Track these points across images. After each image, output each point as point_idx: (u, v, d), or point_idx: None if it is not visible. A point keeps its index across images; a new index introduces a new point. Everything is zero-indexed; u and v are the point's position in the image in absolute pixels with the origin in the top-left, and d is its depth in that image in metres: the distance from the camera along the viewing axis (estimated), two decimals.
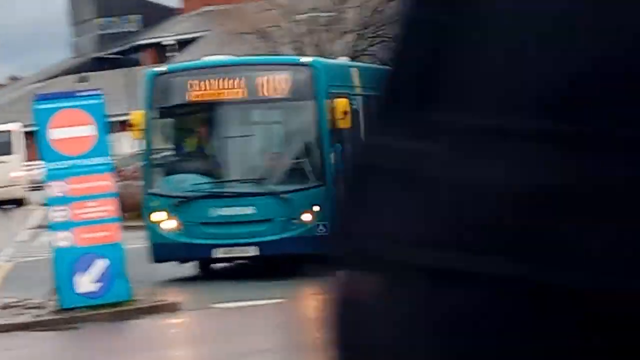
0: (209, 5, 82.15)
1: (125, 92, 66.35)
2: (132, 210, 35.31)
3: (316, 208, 21.47)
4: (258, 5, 54.89)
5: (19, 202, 48.93)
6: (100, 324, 19.39)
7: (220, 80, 22.22)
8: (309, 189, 21.95)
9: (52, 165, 19.30)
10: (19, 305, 21.12)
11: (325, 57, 45.50)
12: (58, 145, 19.25)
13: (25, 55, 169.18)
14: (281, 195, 21.69)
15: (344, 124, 22.41)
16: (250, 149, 23.60)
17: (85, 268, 19.36)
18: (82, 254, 19.34)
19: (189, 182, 22.35)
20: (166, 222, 21.56)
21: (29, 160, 45.06)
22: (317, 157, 22.31)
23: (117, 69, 77.19)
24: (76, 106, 19.60)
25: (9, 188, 48.67)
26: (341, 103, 22.43)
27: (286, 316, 18.53)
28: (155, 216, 21.65)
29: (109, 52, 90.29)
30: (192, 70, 23.45)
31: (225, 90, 22.22)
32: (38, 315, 20.04)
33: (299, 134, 23.14)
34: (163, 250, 21.87)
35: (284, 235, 21.58)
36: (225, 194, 22.07)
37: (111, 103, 34.88)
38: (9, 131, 49.36)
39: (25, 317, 20.18)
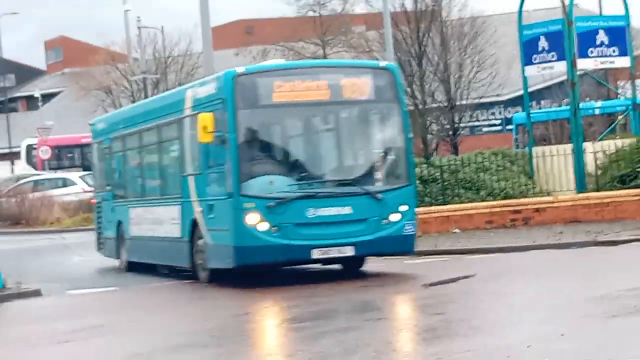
0: (67, 67, 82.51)
1: (4, 131, 65.72)
2: (6, 220, 35.17)
3: (404, 208, 18.37)
4: (104, 68, 55.17)
5: None
6: None
7: (306, 81, 18.44)
8: (399, 189, 18.57)
9: None
10: None
11: None
12: None
13: None
14: (376, 196, 18.17)
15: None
16: (340, 150, 19.71)
17: None
18: None
19: (283, 183, 18.23)
20: (261, 224, 17.69)
21: None
22: (403, 157, 18.84)
23: None
24: None
25: None
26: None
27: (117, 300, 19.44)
28: (250, 218, 17.63)
29: None
30: (276, 70, 19.27)
31: (311, 92, 18.42)
32: None
33: (385, 135, 19.31)
34: (255, 252, 17.84)
35: (378, 235, 18.08)
36: (322, 195, 18.16)
37: None
38: None
39: None
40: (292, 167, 18.93)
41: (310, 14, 52.78)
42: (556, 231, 23.00)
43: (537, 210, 24.89)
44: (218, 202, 18.51)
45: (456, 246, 22.80)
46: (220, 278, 19.21)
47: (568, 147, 26.91)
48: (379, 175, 19.18)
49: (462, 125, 48.58)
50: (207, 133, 17.93)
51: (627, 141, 26.81)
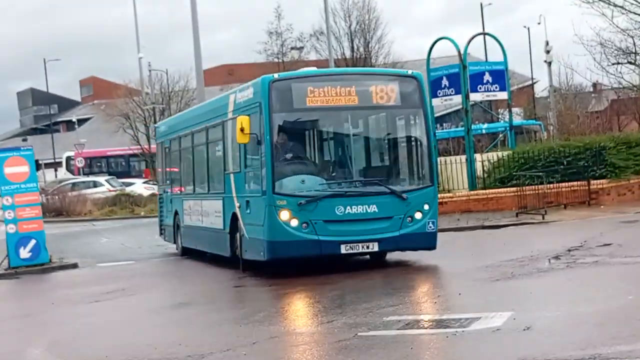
0: (97, 99, 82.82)
1: (50, 147, 65.13)
2: (51, 212, 34.67)
3: (426, 207, 15.50)
4: (124, 100, 55.06)
5: None
6: (32, 275, 19.48)
7: (337, 87, 15.59)
8: (422, 189, 15.71)
9: (5, 187, 20.04)
10: None
11: None
12: (8, 176, 20.10)
13: None
14: (401, 195, 15.35)
15: None
16: (367, 152, 16.79)
17: (24, 244, 20.02)
18: (22, 236, 19.94)
19: (313, 182, 15.49)
20: (293, 220, 15.01)
21: None
22: (427, 160, 15.94)
23: (44, 134, 75.37)
24: (19, 155, 20.54)
25: None
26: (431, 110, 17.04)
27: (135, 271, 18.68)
28: (282, 215, 15.02)
29: (40, 124, 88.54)
30: (309, 77, 16.28)
31: (342, 97, 15.60)
32: None
33: (410, 139, 16.42)
34: (287, 247, 15.10)
35: (402, 232, 15.29)
36: (350, 194, 15.37)
37: (40, 153, 34.76)
38: None
39: None
40: (323, 167, 16.37)
41: (276, 60, 53.01)
42: (454, 218, 23.15)
43: (440, 203, 24.84)
44: (254, 198, 15.88)
45: None
46: (255, 268, 16.19)
47: (463, 157, 27.12)
48: (403, 176, 16.41)
49: None
50: (244, 134, 15.44)
51: (506, 153, 27.02)
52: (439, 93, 27.08)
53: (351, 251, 15.28)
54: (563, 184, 23.97)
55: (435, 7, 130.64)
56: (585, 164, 24.28)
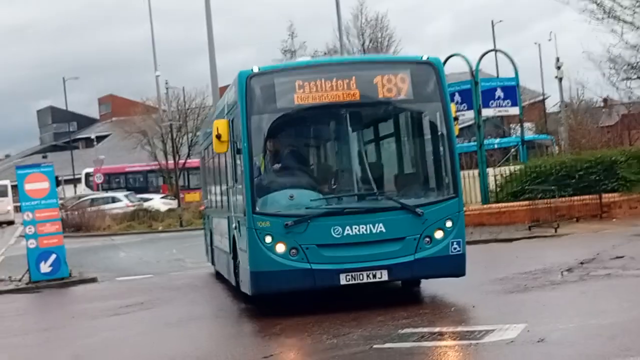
0: (115, 117, 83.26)
1: (69, 163, 65.42)
2: (71, 227, 34.72)
3: (449, 224, 12.08)
4: (141, 117, 55.24)
5: (10, 223, 48.27)
6: (52, 289, 19.44)
7: (332, 80, 12.07)
8: (442, 202, 12.19)
9: (26, 203, 19.98)
10: (6, 280, 20.94)
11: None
12: (29, 192, 19.98)
13: (15, 143, 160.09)
14: (415, 210, 11.89)
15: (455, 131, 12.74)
16: (371, 158, 13.13)
17: (45, 259, 20.01)
18: (43, 251, 19.91)
19: (303, 198, 12.08)
20: (278, 245, 11.72)
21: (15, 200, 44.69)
22: (448, 165, 12.34)
23: (64, 151, 75.88)
24: (39, 171, 20.43)
25: (5, 215, 48.71)
26: (452, 107, 12.78)
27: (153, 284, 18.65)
28: (265, 239, 11.72)
29: (59, 142, 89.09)
30: (297, 69, 12.84)
31: (339, 92, 12.08)
32: (18, 285, 20.12)
33: (426, 140, 12.80)
34: (273, 278, 11.79)
35: (418, 256, 11.89)
36: (349, 211, 11.92)
37: (60, 170, 34.79)
38: (5, 185, 49.43)
39: (10, 286, 20.16)
40: (316, 179, 12.77)
41: None
42: (468, 232, 22.86)
43: None
44: (241, 219, 12.64)
45: None
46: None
47: (476, 172, 27.09)
48: (419, 186, 12.74)
49: None
50: (221, 142, 12.45)
51: (518, 167, 27.04)
52: None
53: (353, 282, 11.93)
54: (575, 198, 23.88)
55: (446, 25, 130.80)
56: (597, 178, 24.20)
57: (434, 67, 12.70)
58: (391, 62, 14.29)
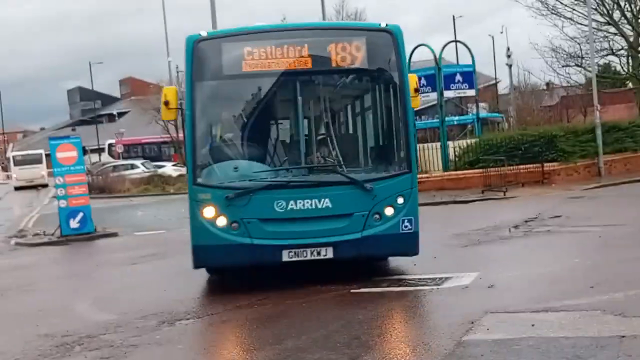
0: (133, 96, 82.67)
1: (94, 135, 65.09)
2: (96, 190, 34.47)
3: (400, 200, 9.95)
4: (156, 96, 54.59)
5: (44, 186, 48.07)
6: (80, 242, 19.26)
7: (284, 47, 10.01)
8: (394, 177, 10.03)
9: (57, 169, 19.75)
10: (41, 234, 20.88)
11: None
12: (60, 160, 19.74)
13: (49, 118, 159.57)
14: (364, 185, 9.80)
15: (414, 103, 10.44)
16: (321, 130, 10.66)
17: (73, 217, 19.81)
18: (72, 210, 19.73)
19: (247, 170, 10.07)
20: (219, 219, 9.78)
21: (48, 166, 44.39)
22: (402, 138, 10.14)
23: (90, 125, 75.44)
24: (69, 142, 20.10)
25: (40, 179, 48.32)
26: (412, 78, 10.53)
27: (166, 239, 18.19)
28: (205, 212, 9.78)
29: (86, 117, 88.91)
30: (248, 34, 10.32)
31: (290, 59, 10.01)
32: (50, 238, 19.95)
33: (380, 111, 10.59)
34: (213, 253, 9.91)
35: (365, 234, 9.80)
36: (294, 184, 9.87)
37: (86, 141, 34.64)
38: (40, 153, 49.12)
39: (44, 239, 20.03)
40: (261, 150, 10.41)
41: None
42: (431, 195, 23.10)
43: (419, 182, 24.82)
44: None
45: None
46: None
47: (438, 144, 27.15)
48: (370, 160, 10.51)
49: None
50: (169, 110, 10.42)
51: (474, 140, 27.09)
52: None
53: (296, 258, 9.87)
54: (521, 166, 23.98)
55: (415, 19, 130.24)
56: (540, 150, 24.27)
57: (392, 35, 10.15)
58: (347, 28, 11.52)
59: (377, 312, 8.56)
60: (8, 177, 62.36)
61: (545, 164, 24.07)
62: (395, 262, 11.81)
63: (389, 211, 9.94)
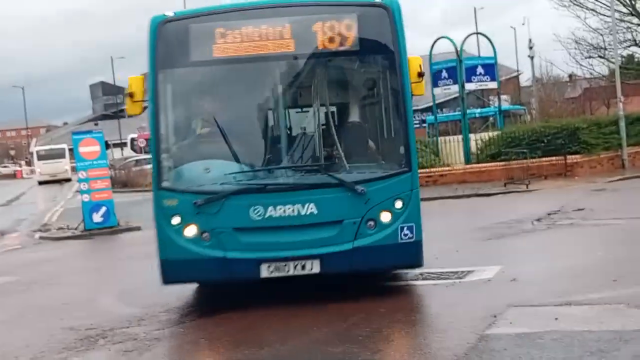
0: None
1: (117, 130, 65.68)
2: (118, 184, 34.75)
3: (398, 204, 8.33)
4: None
5: (68, 180, 48.56)
6: (103, 236, 19.33)
7: (261, 27, 8.38)
8: (390, 178, 8.39)
9: (80, 163, 19.78)
10: (65, 228, 21.03)
11: None
12: (83, 154, 19.77)
13: (72, 112, 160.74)
14: (355, 188, 8.19)
15: (418, 90, 8.85)
16: (305, 123, 9.02)
17: (97, 211, 19.89)
18: (95, 204, 19.80)
19: (219, 171, 8.46)
20: (188, 229, 8.34)
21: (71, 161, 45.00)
22: (399, 132, 8.52)
23: (112, 120, 76.18)
24: (91, 136, 20.12)
25: (64, 173, 48.84)
26: (415, 61, 8.88)
27: None
28: (172, 221, 8.36)
29: (109, 111, 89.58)
30: (219, 14, 8.62)
31: (269, 42, 8.37)
32: (74, 232, 20.06)
33: (373, 101, 9.20)
34: (183, 268, 8.45)
35: (358, 244, 8.22)
36: (273, 187, 8.33)
37: (109, 135, 34.75)
38: (63, 147, 49.68)
39: (68, 233, 20.13)
40: (237, 148, 8.54)
41: None
42: (453, 188, 23.06)
43: (441, 175, 24.92)
44: None
45: None
46: None
47: (460, 137, 27.04)
48: (362, 158, 8.75)
49: None
50: (134, 103, 8.90)
51: (495, 133, 26.99)
52: (439, 83, 27.11)
53: (277, 274, 8.39)
54: (543, 159, 23.87)
55: (438, 13, 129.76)
56: (562, 142, 24.11)
57: (388, 11, 8.57)
58: (335, 4, 9.01)
59: (398, 305, 8.56)
60: (32, 171, 62.93)
61: (568, 157, 23.91)
62: None
63: (385, 217, 8.38)
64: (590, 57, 34.17)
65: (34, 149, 64.14)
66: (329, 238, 8.32)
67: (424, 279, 10.03)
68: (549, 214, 15.40)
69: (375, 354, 6.88)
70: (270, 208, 8.29)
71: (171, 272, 8.63)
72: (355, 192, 8.30)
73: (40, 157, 53.78)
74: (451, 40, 27.09)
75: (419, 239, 8.59)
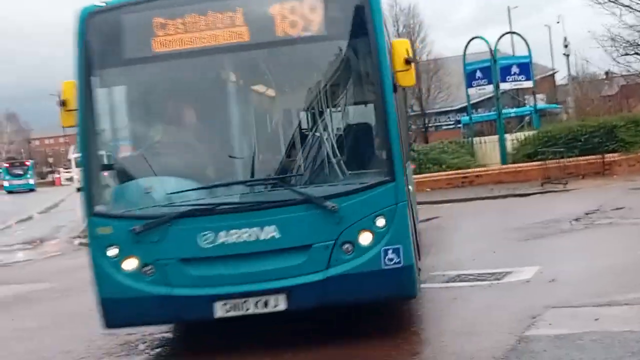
0: None
1: None
2: None
3: (380, 222, 6.39)
4: None
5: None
6: None
7: (209, 14, 6.55)
8: (368, 190, 6.41)
9: None
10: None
11: None
12: None
13: None
14: (324, 204, 6.31)
15: (406, 80, 6.79)
16: (264, 129, 7.43)
17: None
18: None
19: (160, 191, 6.64)
20: (127, 261, 6.64)
21: None
22: (378, 134, 6.58)
23: None
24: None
25: None
26: (401, 45, 6.73)
27: None
28: (108, 252, 6.65)
29: None
30: (156, 2, 6.79)
31: (218, 31, 6.50)
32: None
33: (345, 97, 6.87)
34: (124, 309, 6.67)
35: (332, 273, 6.38)
36: (225, 208, 6.49)
37: None
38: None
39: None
40: (180, 164, 7.13)
41: None
42: (489, 188, 22.93)
43: (477, 175, 24.78)
44: None
45: (428, 199, 22.40)
46: None
47: (495, 137, 26.95)
48: (333, 168, 6.83)
49: (429, 125, 49.56)
50: (67, 112, 7.04)
51: (531, 132, 26.86)
52: (474, 83, 27.05)
53: (234, 313, 6.78)
54: (581, 158, 23.62)
55: (469, 12, 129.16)
56: (600, 140, 23.90)
57: None
58: None
59: (436, 308, 8.54)
60: (70, 179, 63.70)
61: (605, 155, 23.66)
62: (452, 256, 11.75)
63: (364, 239, 6.66)
64: (626, 54, 33.79)
65: (71, 156, 64.88)
66: (296, 267, 6.66)
67: (460, 280, 9.99)
68: (587, 214, 15.24)
69: (413, 356, 6.88)
70: (222, 233, 6.69)
71: (112, 314, 7.01)
72: (325, 209, 6.58)
73: (79, 165, 54.53)
74: (485, 40, 26.98)
75: (409, 264, 6.79)
